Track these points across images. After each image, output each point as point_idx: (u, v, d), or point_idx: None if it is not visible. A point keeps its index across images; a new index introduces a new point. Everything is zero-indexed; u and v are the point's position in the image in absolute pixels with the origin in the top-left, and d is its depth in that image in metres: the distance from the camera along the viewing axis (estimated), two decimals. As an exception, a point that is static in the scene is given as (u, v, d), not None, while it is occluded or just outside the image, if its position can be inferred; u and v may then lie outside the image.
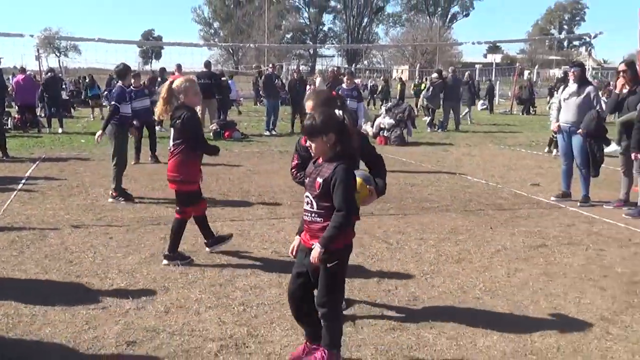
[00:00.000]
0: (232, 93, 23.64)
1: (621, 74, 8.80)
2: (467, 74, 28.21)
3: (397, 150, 15.18)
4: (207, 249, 6.33)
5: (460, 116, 22.36)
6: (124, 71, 9.44)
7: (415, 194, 9.62)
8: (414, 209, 8.53)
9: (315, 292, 3.94)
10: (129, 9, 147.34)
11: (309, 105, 4.29)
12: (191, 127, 5.87)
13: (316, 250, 3.68)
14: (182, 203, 6.06)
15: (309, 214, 3.87)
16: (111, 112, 8.67)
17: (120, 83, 9.28)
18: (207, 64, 18.88)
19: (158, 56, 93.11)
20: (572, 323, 4.70)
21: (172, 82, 6.10)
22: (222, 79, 21.00)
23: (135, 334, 4.40)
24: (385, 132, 16.46)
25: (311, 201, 3.83)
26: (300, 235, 4.05)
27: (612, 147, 8.73)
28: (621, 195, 8.82)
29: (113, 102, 8.77)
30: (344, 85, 11.44)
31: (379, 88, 30.59)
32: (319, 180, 3.79)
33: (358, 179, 3.98)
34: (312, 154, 3.93)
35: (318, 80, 20.95)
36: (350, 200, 3.76)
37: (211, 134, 16.93)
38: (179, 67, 17.66)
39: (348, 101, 11.10)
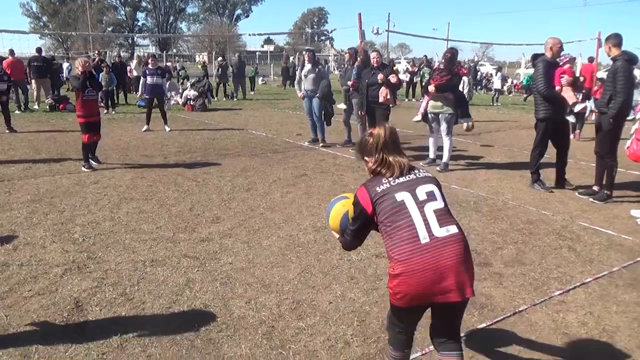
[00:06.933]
0: (65, 73, 20.79)
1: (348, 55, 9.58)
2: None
3: (201, 114, 14.68)
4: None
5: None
6: None
7: (215, 145, 9.43)
8: (215, 156, 8.37)
9: None
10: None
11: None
12: None
13: None
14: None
15: None
16: None
17: None
18: (39, 50, 16.27)
19: (-11, 43, 78.18)
20: (324, 223, 5.02)
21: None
22: (53, 62, 18.41)
23: (-14, 270, 3.81)
24: (192, 101, 15.81)
25: None
26: None
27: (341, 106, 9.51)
28: (346, 137, 9.56)
29: None
30: (149, 66, 10.92)
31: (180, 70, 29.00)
32: None
33: None
34: None
35: (134, 62, 19.42)
36: None
37: (47, 106, 14.84)
38: (11, 51, 14.98)
39: (154, 77, 10.64)
